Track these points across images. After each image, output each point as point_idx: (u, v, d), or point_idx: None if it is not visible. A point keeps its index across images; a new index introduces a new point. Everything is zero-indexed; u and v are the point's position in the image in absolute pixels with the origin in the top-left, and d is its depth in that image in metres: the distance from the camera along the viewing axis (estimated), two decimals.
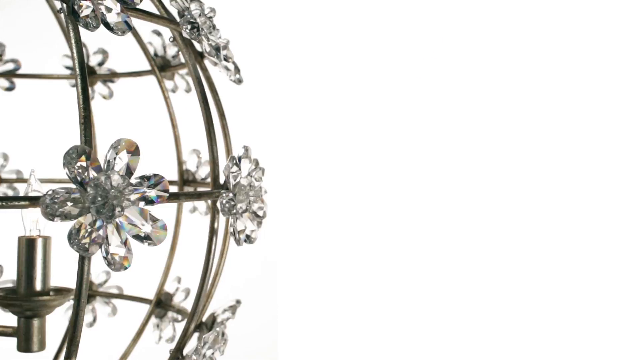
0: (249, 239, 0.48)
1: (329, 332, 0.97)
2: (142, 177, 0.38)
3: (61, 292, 0.54)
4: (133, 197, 0.37)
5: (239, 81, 0.61)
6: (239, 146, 0.63)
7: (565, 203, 0.89)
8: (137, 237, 0.37)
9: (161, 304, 0.67)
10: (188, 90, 0.68)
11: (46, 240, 0.53)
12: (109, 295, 0.72)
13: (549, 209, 0.90)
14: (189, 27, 0.46)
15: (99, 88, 0.73)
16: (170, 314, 0.67)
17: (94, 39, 0.72)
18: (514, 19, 0.91)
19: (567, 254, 0.89)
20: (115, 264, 0.37)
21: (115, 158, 0.37)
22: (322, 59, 0.99)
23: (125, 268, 0.37)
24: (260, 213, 0.49)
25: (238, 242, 0.46)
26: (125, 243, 0.37)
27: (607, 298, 0.87)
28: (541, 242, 0.90)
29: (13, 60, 0.72)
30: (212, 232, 0.48)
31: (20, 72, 0.72)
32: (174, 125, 0.68)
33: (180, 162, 0.68)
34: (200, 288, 0.48)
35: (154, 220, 0.38)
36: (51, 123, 0.90)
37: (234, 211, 0.46)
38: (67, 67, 0.73)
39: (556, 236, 0.89)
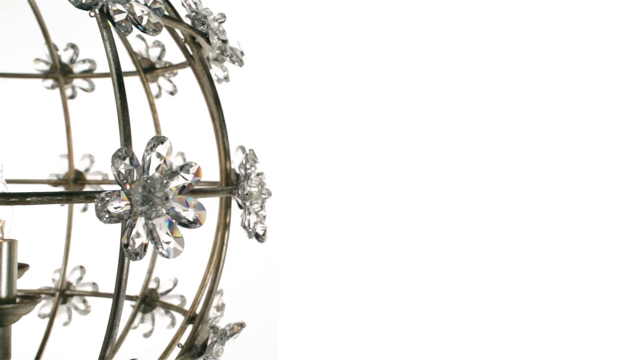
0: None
1: (329, 332, 0.97)
2: None
3: (31, 299, 0.51)
4: None
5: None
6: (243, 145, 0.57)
7: (565, 203, 0.89)
8: None
9: (195, 317, 0.60)
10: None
11: (12, 244, 0.49)
12: (166, 306, 0.67)
13: (549, 209, 0.89)
14: None
15: (163, 84, 0.68)
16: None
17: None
18: (514, 19, 0.91)
19: (567, 254, 0.88)
20: None
21: None
22: (322, 56, 0.98)
23: None
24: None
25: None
26: None
27: (607, 298, 0.87)
28: (541, 242, 0.90)
29: (89, 60, 0.71)
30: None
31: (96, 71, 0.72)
32: (213, 119, 0.61)
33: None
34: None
35: None
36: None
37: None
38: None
39: (556, 236, 0.89)
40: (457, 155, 0.92)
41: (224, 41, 0.49)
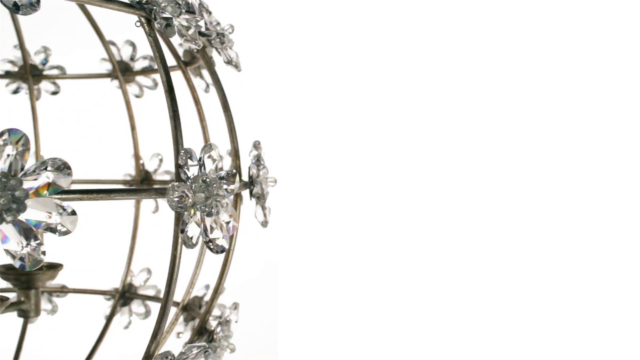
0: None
1: (329, 332, 0.96)
2: None
3: (2, 301, 0.49)
4: None
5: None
6: (248, 143, 0.53)
7: (565, 203, 0.88)
8: None
9: (204, 331, 0.54)
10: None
11: None
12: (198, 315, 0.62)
13: (549, 210, 0.88)
14: None
15: (207, 76, 0.64)
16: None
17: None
18: (514, 19, 0.89)
19: (567, 254, 0.87)
20: None
21: None
22: (323, 55, 0.97)
23: None
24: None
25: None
26: None
27: (607, 298, 0.85)
28: (541, 242, 0.89)
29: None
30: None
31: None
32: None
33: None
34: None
35: None
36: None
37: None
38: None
39: (556, 236, 0.88)
40: (456, 155, 0.92)
41: (165, 18, 0.42)
